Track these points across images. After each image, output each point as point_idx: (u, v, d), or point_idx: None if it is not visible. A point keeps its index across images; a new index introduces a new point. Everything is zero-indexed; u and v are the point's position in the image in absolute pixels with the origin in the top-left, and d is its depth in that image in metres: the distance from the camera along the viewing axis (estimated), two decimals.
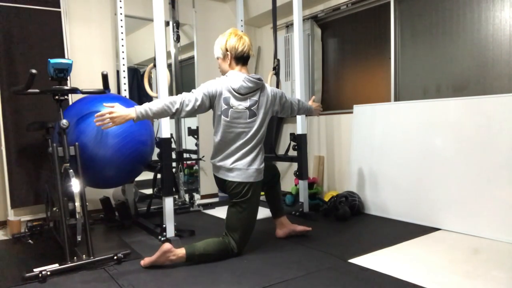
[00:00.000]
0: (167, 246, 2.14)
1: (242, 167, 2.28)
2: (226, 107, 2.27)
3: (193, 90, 2.28)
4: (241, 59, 2.34)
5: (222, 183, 2.36)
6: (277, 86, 3.59)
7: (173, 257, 2.15)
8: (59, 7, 3.20)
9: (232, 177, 2.29)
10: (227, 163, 2.30)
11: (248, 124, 2.30)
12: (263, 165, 2.38)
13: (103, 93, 2.63)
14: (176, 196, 3.81)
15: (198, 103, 2.23)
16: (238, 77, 2.27)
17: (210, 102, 2.29)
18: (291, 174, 4.31)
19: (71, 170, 2.27)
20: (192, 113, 2.27)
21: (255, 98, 2.32)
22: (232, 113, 2.27)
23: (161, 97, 2.55)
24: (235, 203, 2.30)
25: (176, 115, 2.22)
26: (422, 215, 2.92)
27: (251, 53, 2.38)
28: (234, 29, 2.37)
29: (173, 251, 2.14)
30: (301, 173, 3.25)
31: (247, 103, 2.29)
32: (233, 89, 2.26)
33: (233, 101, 2.28)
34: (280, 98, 2.50)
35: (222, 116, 2.27)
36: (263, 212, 3.35)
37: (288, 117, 4.34)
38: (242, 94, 2.28)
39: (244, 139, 2.30)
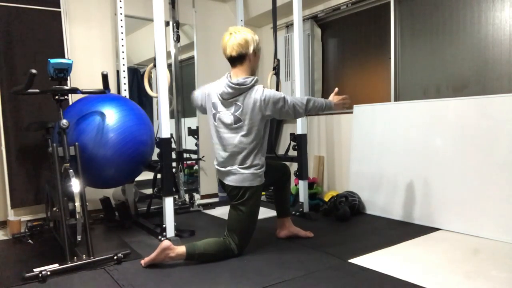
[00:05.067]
0: (166, 243, 2.14)
1: (237, 172, 2.26)
2: (214, 111, 2.31)
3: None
4: (229, 60, 2.29)
5: (223, 185, 2.37)
6: (277, 86, 3.58)
7: (172, 254, 2.15)
8: (59, 7, 3.20)
9: (229, 180, 2.29)
10: (223, 166, 2.32)
11: (235, 130, 2.25)
12: (262, 169, 2.31)
13: (103, 93, 2.63)
14: (176, 196, 3.81)
15: (197, 101, 2.46)
16: (223, 82, 2.27)
17: (204, 103, 2.40)
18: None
19: (71, 170, 2.27)
20: (201, 110, 2.48)
21: (239, 103, 2.23)
22: (219, 117, 2.28)
23: (161, 97, 2.56)
24: (233, 205, 2.30)
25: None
26: (422, 215, 2.91)
27: (231, 54, 2.22)
28: (231, 27, 2.29)
29: (173, 248, 2.15)
30: (301, 173, 3.25)
31: (232, 108, 2.25)
32: (219, 94, 2.28)
33: (220, 106, 2.28)
34: (275, 103, 2.21)
35: (212, 120, 2.32)
36: (264, 212, 3.35)
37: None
38: (225, 99, 2.26)
39: (233, 144, 2.25)
